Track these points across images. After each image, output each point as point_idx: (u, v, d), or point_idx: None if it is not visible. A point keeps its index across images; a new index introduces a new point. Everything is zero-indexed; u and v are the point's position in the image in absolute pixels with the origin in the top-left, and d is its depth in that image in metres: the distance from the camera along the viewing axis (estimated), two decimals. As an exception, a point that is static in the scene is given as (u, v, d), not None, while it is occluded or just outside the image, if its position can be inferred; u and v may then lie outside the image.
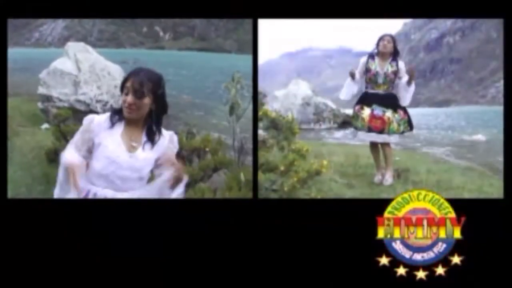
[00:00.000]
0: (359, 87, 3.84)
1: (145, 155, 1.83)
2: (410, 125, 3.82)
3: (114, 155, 1.79)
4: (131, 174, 1.81)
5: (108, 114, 1.84)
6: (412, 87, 3.73)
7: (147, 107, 1.81)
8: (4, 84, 2.35)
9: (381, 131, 3.70)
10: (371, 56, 3.78)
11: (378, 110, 3.70)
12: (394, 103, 3.75)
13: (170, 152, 1.91)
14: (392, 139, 3.76)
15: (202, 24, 69.83)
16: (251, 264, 2.08)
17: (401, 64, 3.77)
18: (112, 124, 1.81)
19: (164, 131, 1.91)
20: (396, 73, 3.73)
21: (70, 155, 1.78)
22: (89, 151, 1.81)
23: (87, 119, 1.84)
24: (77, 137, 1.83)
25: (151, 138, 1.85)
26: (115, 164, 1.79)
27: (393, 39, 3.78)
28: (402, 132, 3.79)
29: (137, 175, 1.83)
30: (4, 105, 2.34)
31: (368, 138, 3.78)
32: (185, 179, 1.89)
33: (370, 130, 3.72)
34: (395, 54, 3.77)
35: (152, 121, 1.85)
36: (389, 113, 3.70)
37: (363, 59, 3.82)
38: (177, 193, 1.87)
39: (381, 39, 3.77)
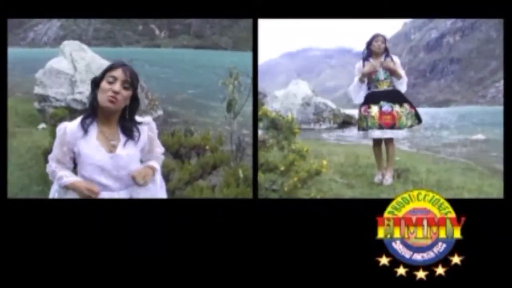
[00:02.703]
0: (365, 89, 3.87)
1: (128, 151, 1.80)
2: (418, 118, 3.83)
3: (96, 160, 1.75)
4: (118, 173, 1.78)
5: (79, 120, 1.78)
6: (404, 78, 3.79)
7: (127, 101, 1.79)
8: (4, 84, 2.35)
9: (391, 127, 3.70)
10: (365, 59, 3.82)
11: (386, 106, 3.72)
12: (400, 97, 3.78)
13: (152, 140, 1.91)
14: (404, 133, 3.78)
15: (197, 22, 69.60)
16: (251, 264, 2.07)
17: (395, 57, 3.83)
18: (85, 130, 1.76)
19: (141, 119, 1.88)
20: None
21: (66, 177, 1.76)
22: (73, 160, 1.80)
23: (60, 129, 1.79)
24: (56, 151, 1.79)
25: (131, 136, 1.82)
26: (100, 168, 1.76)
27: (385, 39, 3.84)
28: (411, 126, 3.81)
29: (125, 172, 1.80)
30: (4, 105, 2.34)
31: (380, 135, 3.76)
32: (158, 169, 1.91)
33: (381, 127, 3.71)
34: (386, 52, 3.82)
35: (126, 119, 1.82)
36: (397, 108, 3.73)
37: (359, 64, 3.85)
38: (161, 185, 1.93)
39: (374, 39, 3.81)
